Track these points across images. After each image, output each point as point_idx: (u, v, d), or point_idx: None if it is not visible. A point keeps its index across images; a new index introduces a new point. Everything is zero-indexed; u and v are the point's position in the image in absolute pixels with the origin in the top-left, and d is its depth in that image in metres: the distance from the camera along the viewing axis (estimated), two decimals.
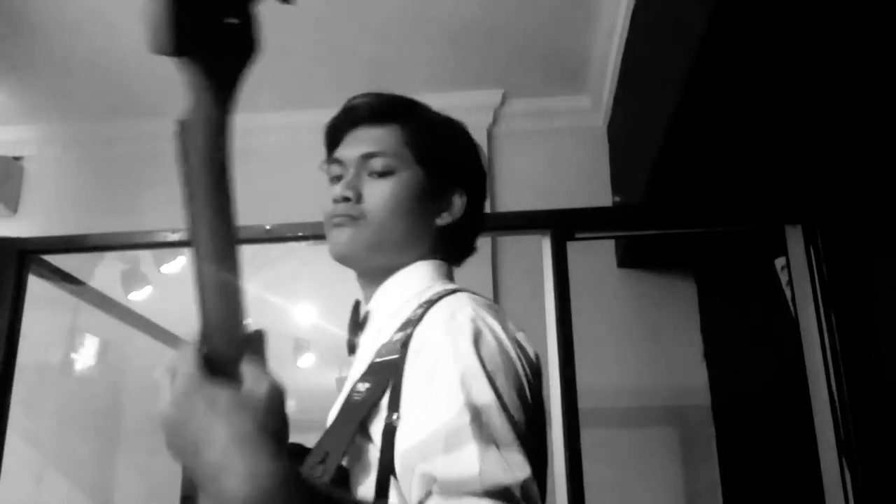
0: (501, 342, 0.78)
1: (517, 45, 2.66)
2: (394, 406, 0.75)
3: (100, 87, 2.87)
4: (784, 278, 1.88)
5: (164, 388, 0.59)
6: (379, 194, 0.93)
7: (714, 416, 2.57)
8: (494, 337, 0.78)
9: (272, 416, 0.57)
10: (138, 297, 2.87)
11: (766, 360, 2.13)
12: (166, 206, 3.27)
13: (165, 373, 0.59)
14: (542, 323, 1.77)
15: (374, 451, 0.75)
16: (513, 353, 0.79)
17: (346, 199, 0.93)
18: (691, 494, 2.55)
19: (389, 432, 0.74)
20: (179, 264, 2.89)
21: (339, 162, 0.98)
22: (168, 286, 2.88)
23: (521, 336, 0.84)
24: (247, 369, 0.59)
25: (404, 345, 0.79)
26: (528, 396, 0.78)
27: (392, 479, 0.73)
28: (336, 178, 0.97)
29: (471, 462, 0.66)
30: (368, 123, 0.98)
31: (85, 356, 2.85)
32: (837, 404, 1.68)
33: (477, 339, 0.76)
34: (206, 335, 0.57)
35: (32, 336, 2.05)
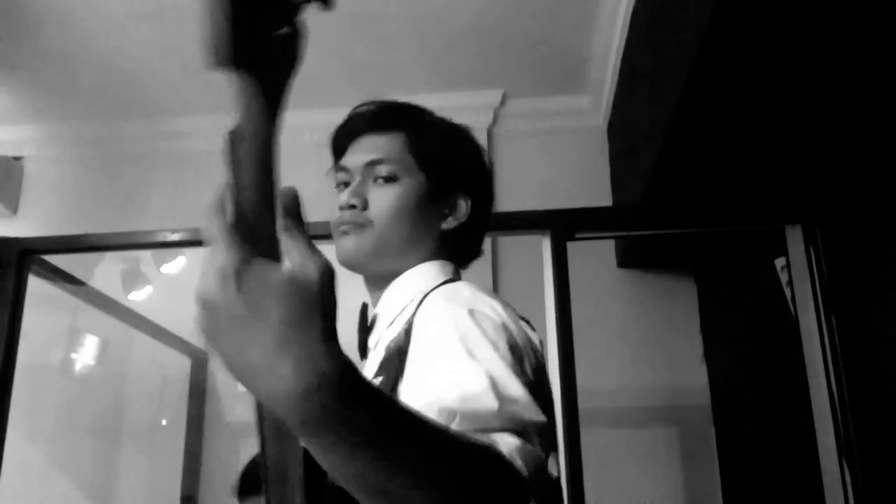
0: (500, 314, 0.79)
1: (517, 45, 2.66)
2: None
3: (100, 87, 2.87)
4: (784, 278, 1.88)
5: (205, 262, 0.48)
6: (384, 201, 0.95)
7: (714, 416, 2.57)
8: (493, 310, 0.80)
9: (327, 299, 0.48)
10: (138, 297, 2.87)
11: (766, 360, 2.13)
12: (166, 206, 3.28)
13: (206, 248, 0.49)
14: (542, 323, 1.77)
15: None
16: (513, 327, 0.79)
17: (352, 207, 0.95)
18: (691, 494, 2.55)
19: None
20: (179, 264, 2.89)
21: (345, 169, 1.00)
22: (168, 286, 2.88)
23: (523, 323, 0.85)
24: (289, 243, 0.49)
25: (407, 332, 0.81)
26: (529, 369, 0.78)
27: None
28: (342, 185, 0.99)
29: (489, 402, 0.67)
30: (373, 131, 0.99)
31: (85, 356, 2.85)
32: (837, 404, 1.68)
33: (473, 313, 0.77)
34: (238, 197, 0.50)
35: (32, 336, 2.06)
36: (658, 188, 2.09)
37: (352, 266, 0.97)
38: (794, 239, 1.82)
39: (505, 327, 0.78)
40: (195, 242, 2.09)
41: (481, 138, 2.88)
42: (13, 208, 3.07)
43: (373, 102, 1.02)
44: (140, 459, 2.92)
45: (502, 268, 2.73)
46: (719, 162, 1.94)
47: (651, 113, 1.99)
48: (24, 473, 2.59)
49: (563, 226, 1.86)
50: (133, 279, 2.88)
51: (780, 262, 1.90)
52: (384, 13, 2.48)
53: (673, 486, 2.55)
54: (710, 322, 2.63)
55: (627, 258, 2.72)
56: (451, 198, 1.00)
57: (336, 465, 0.50)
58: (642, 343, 2.67)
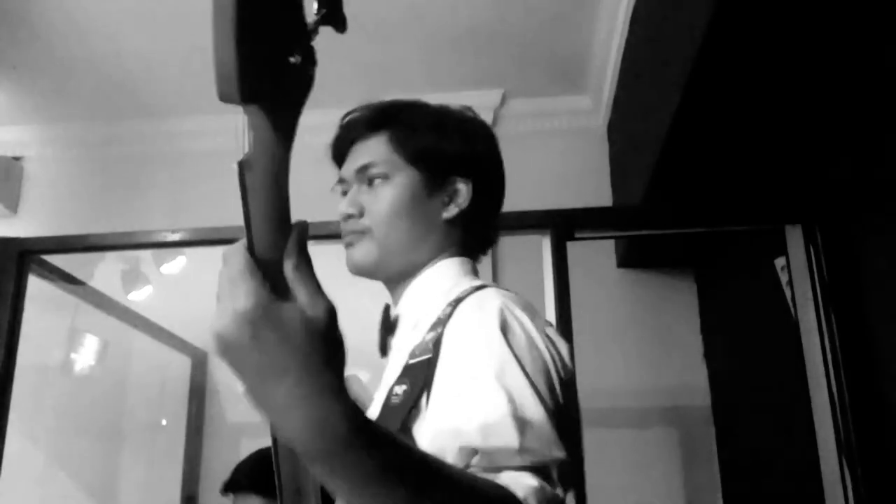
0: (529, 333, 0.79)
1: (517, 45, 2.66)
2: None
3: (100, 87, 2.87)
4: (784, 278, 1.88)
5: (220, 296, 0.49)
6: (377, 204, 0.96)
7: (714, 416, 2.57)
8: (522, 328, 0.79)
9: (335, 344, 0.50)
10: (138, 297, 2.87)
11: (766, 360, 2.13)
12: (166, 206, 3.28)
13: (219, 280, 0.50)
14: None
15: None
16: (542, 345, 0.79)
17: (350, 216, 0.96)
18: (691, 494, 2.55)
19: None
20: (179, 264, 2.89)
21: (342, 180, 1.01)
22: (168, 286, 2.88)
23: (551, 331, 0.84)
24: (297, 282, 0.49)
25: (436, 344, 0.80)
26: (558, 389, 0.77)
27: None
28: (343, 196, 1.00)
29: (510, 438, 0.66)
30: (361, 137, 1.00)
31: (85, 356, 2.85)
32: (837, 404, 1.68)
33: (505, 328, 0.77)
34: (248, 226, 0.50)
35: (32, 336, 2.05)
36: (658, 188, 2.09)
37: (363, 274, 0.98)
38: (794, 239, 1.82)
39: (535, 346, 0.78)
40: (195, 242, 2.09)
41: None
42: (13, 208, 3.07)
43: (359, 108, 1.02)
44: (140, 459, 2.92)
45: (502, 268, 2.72)
46: (719, 162, 1.94)
47: (651, 113, 1.99)
48: (24, 473, 2.59)
49: (563, 226, 1.86)
50: (133, 279, 2.88)
51: (780, 262, 1.90)
52: (384, 13, 2.48)
53: (673, 486, 2.55)
54: (710, 322, 2.63)
55: (627, 258, 2.72)
56: (448, 185, 0.98)
57: (344, 496, 0.52)
58: (642, 343, 2.67)
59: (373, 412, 0.85)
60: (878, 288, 1.64)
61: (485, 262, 2.92)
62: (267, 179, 0.50)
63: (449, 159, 0.99)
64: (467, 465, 0.66)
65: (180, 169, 3.02)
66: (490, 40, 2.63)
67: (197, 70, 2.68)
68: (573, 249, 1.84)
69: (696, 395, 2.60)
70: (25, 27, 2.53)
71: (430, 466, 0.56)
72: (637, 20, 2.22)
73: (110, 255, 2.77)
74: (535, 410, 0.70)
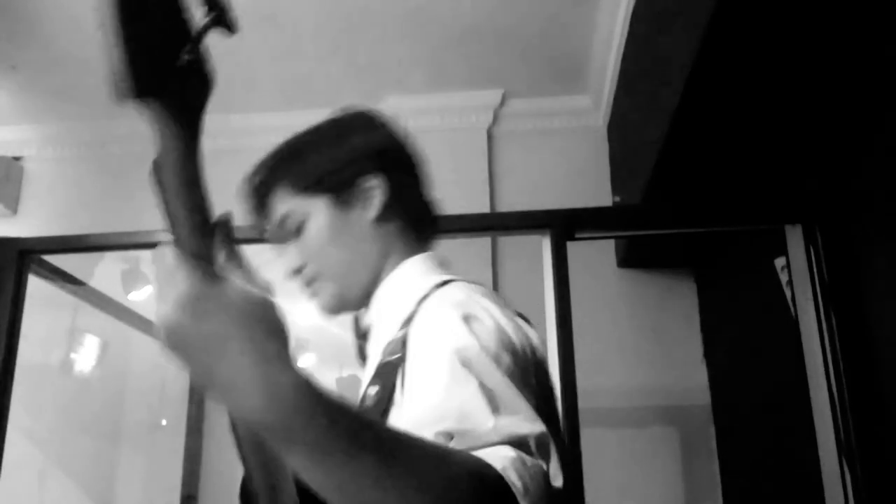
0: (495, 318, 0.78)
1: (517, 45, 2.66)
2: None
3: (100, 87, 2.86)
4: (784, 278, 1.88)
5: (162, 292, 0.51)
6: (308, 248, 0.95)
7: (714, 416, 2.57)
8: (487, 313, 0.78)
9: (275, 319, 0.52)
10: (138, 297, 2.87)
11: (766, 360, 2.13)
12: None
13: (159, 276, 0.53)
14: (542, 323, 1.77)
15: None
16: (509, 329, 0.78)
17: (297, 272, 0.97)
18: (691, 494, 2.55)
19: None
20: None
21: (276, 243, 1.00)
22: None
23: (520, 320, 0.84)
24: (230, 271, 0.53)
25: (404, 343, 0.80)
26: (531, 369, 0.77)
27: None
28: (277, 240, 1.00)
29: (484, 419, 0.66)
30: (269, 194, 0.98)
31: (85, 356, 2.85)
32: (837, 404, 1.68)
33: (468, 318, 0.77)
34: (171, 222, 0.53)
35: (32, 336, 2.05)
36: (658, 188, 2.09)
37: (339, 312, 0.98)
38: (794, 239, 1.82)
39: (502, 331, 0.77)
40: None
41: (481, 138, 2.90)
42: (13, 208, 3.07)
43: (253, 170, 1.00)
44: (140, 459, 2.92)
45: (502, 268, 2.72)
46: (719, 162, 1.95)
47: (651, 113, 1.99)
48: (24, 473, 2.59)
49: (563, 226, 1.86)
50: (133, 279, 2.88)
51: (780, 262, 1.90)
52: (384, 13, 2.48)
53: (673, 486, 2.55)
54: (710, 322, 2.63)
55: (627, 258, 2.72)
56: (358, 191, 0.95)
57: (310, 475, 0.52)
58: (642, 343, 2.67)
59: None
60: (878, 288, 1.64)
61: (485, 262, 2.92)
62: (177, 177, 0.52)
63: (343, 168, 0.96)
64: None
65: None
66: (490, 40, 2.63)
67: None
68: (573, 249, 1.84)
69: (696, 395, 2.60)
70: (25, 27, 2.53)
71: (396, 434, 0.56)
72: (637, 20, 2.22)
73: (110, 255, 2.77)
74: (506, 391, 0.70)
